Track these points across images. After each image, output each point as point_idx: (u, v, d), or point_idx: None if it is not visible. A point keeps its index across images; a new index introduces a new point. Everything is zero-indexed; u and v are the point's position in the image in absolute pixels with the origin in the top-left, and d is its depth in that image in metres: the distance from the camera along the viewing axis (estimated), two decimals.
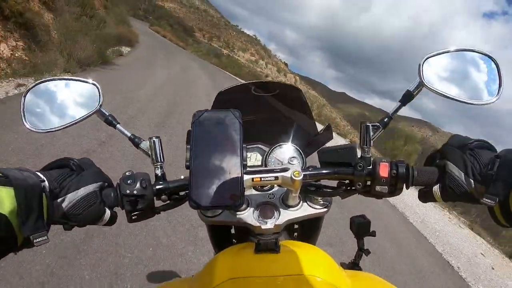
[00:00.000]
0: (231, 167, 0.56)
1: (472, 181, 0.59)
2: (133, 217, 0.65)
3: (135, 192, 0.63)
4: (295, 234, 0.91)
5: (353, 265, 1.05)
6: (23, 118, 0.69)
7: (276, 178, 0.65)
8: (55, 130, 0.70)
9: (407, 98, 0.72)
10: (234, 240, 0.90)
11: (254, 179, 0.64)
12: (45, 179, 0.54)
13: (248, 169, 0.65)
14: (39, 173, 0.55)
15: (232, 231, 0.90)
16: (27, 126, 0.69)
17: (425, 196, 0.68)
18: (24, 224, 0.49)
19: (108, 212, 0.64)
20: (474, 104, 0.68)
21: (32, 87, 0.71)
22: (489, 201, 0.56)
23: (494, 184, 0.56)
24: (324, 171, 0.72)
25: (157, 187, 0.67)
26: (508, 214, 0.56)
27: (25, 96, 0.70)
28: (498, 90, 0.68)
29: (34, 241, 0.51)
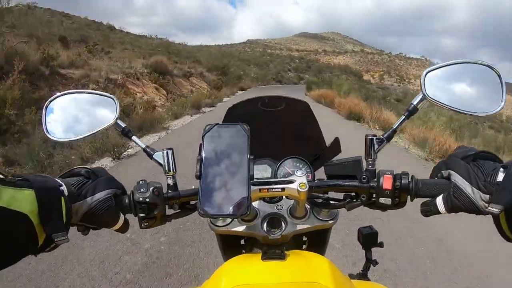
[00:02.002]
0: (239, 178, 0.58)
1: (477, 190, 0.59)
2: (144, 224, 0.68)
3: (147, 200, 0.66)
4: (304, 246, 0.92)
5: (361, 276, 1.05)
6: (44, 126, 0.74)
7: (283, 189, 0.66)
8: (74, 140, 0.75)
9: (411, 111, 0.73)
10: (243, 250, 0.92)
11: (262, 190, 0.66)
12: (63, 184, 0.58)
13: (257, 180, 0.67)
14: (57, 179, 0.59)
15: (242, 241, 0.92)
16: (47, 134, 0.74)
17: (428, 209, 0.66)
18: (45, 223, 0.52)
19: (122, 217, 0.67)
20: (477, 115, 0.69)
21: (53, 98, 0.76)
22: (493, 209, 0.55)
23: (500, 193, 0.55)
24: (329, 184, 0.73)
25: (169, 195, 0.70)
26: None
27: (46, 107, 0.75)
28: (501, 99, 0.68)
29: (56, 240, 0.54)
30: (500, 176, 0.56)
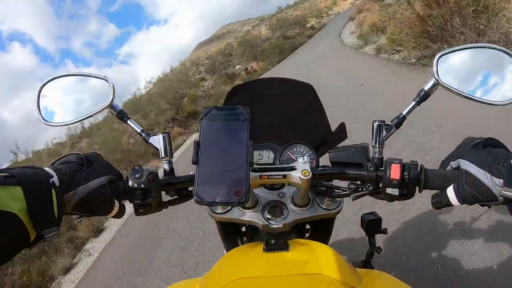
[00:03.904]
0: (238, 164, 0.56)
1: (489, 175, 0.56)
2: (140, 210, 0.67)
3: (142, 185, 0.64)
4: (307, 234, 0.90)
5: (365, 264, 1.04)
6: (37, 112, 0.71)
7: (284, 176, 0.64)
8: (69, 124, 0.73)
9: (422, 97, 0.70)
10: (244, 238, 0.90)
11: (262, 177, 0.64)
12: (53, 174, 0.56)
13: (257, 167, 0.65)
14: (47, 169, 0.57)
15: (243, 228, 0.90)
16: (42, 120, 0.71)
17: (438, 201, 0.64)
18: (34, 221, 0.51)
19: (117, 204, 0.66)
20: (493, 104, 0.65)
21: (46, 83, 0.73)
22: (508, 193, 0.53)
23: None
24: (334, 171, 0.71)
25: (164, 181, 0.68)
26: None
27: (39, 91, 0.72)
28: None
29: (46, 236, 0.53)
30: None
